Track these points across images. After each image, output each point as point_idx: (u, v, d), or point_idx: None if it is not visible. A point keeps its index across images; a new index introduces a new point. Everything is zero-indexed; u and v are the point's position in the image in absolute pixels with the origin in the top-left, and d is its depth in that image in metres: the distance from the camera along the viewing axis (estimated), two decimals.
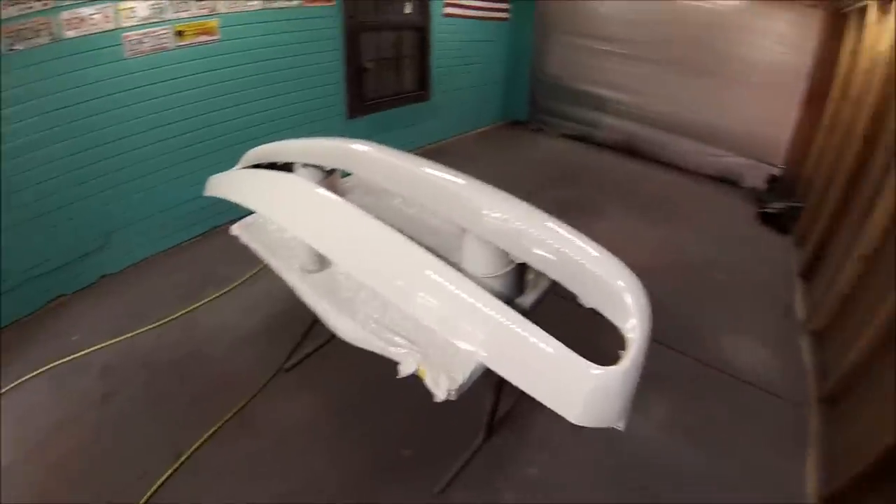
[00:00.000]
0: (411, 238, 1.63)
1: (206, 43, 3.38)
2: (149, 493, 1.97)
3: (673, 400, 2.61)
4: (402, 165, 1.92)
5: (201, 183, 2.52)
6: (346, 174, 2.49)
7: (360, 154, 2.04)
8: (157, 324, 2.88)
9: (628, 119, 6.27)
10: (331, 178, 2.29)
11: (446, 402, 2.20)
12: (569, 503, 2.08)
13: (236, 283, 3.26)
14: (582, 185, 5.37)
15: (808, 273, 3.75)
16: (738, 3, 5.16)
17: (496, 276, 1.63)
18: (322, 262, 2.01)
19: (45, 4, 2.60)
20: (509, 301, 1.65)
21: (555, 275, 1.53)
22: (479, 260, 1.65)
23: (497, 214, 1.58)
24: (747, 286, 3.72)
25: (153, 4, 3.06)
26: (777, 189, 5.13)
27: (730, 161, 5.63)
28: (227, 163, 2.59)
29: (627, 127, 6.30)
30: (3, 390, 2.39)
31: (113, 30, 2.92)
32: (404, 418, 2.36)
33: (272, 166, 2.40)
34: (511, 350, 1.37)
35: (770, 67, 5.07)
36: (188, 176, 3.44)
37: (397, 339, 1.60)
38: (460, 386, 1.42)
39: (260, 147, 2.45)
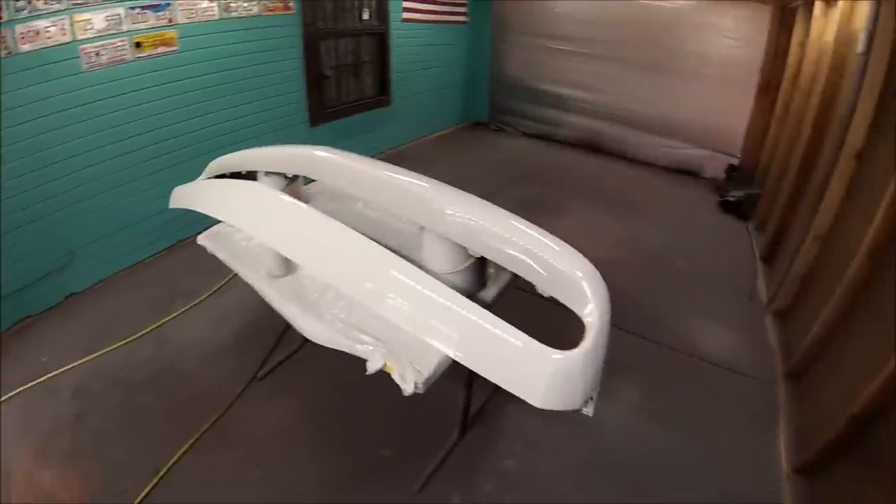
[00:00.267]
0: (374, 239, 1.67)
1: (165, 54, 3.35)
2: None
3: (642, 386, 2.68)
4: (361, 168, 1.98)
5: (165, 196, 2.50)
6: (308, 180, 2.52)
7: (321, 159, 2.10)
8: (127, 340, 2.84)
9: (589, 116, 6.42)
10: (293, 184, 2.32)
11: (421, 401, 2.23)
12: (547, 491, 2.13)
13: (204, 296, 3.23)
14: (543, 183, 5.46)
15: (770, 256, 3.90)
16: (691, 1, 5.35)
17: (456, 272, 1.68)
18: (288, 266, 2.03)
19: (1, 18, 2.55)
20: (471, 295, 1.70)
21: (511, 266, 1.59)
22: (439, 257, 1.72)
23: (453, 211, 1.64)
24: (711, 272, 3.85)
25: (110, 16, 3.02)
26: (736, 178, 5.33)
27: (689, 153, 5.82)
28: (192, 174, 2.58)
29: (588, 124, 6.45)
30: None
31: (69, 42, 2.87)
32: (380, 419, 2.38)
33: (236, 176, 2.40)
34: (473, 341, 1.42)
35: (724, 61, 5.27)
36: (152, 189, 3.40)
37: (363, 337, 1.63)
38: (426, 379, 1.46)
39: (223, 157, 2.46)
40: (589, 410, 1.57)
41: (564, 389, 1.33)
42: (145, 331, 2.92)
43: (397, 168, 1.93)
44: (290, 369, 2.68)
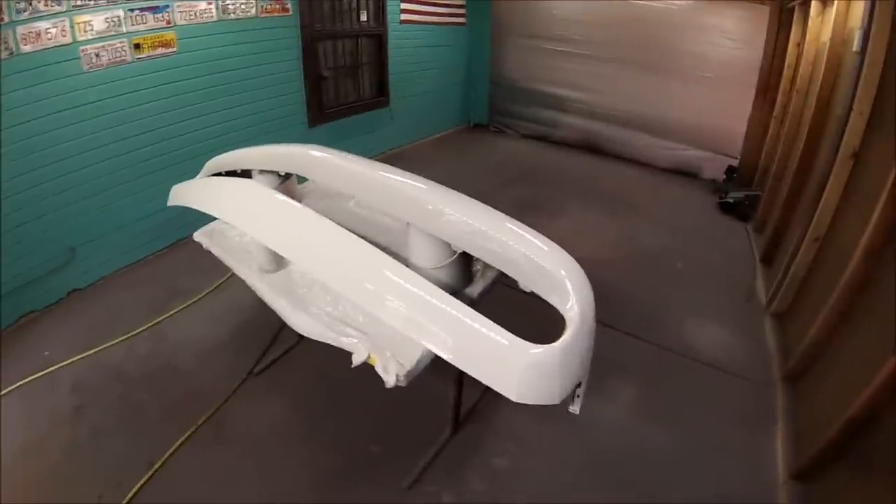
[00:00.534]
0: (363, 236, 1.72)
1: (164, 55, 3.41)
2: (126, 500, 1.99)
3: (639, 387, 2.68)
4: (349, 166, 2.03)
5: (165, 195, 2.55)
6: (303, 179, 2.55)
7: (311, 157, 2.16)
8: (127, 336, 2.89)
9: (587, 117, 6.44)
10: (287, 182, 2.36)
11: (413, 398, 2.25)
12: (539, 491, 2.13)
13: (203, 294, 3.28)
14: (541, 184, 5.47)
15: (768, 258, 3.89)
16: (689, 2, 5.36)
17: (440, 268, 1.72)
18: (279, 262, 2.07)
19: (2, 20, 2.60)
20: (457, 291, 1.74)
21: (492, 261, 1.62)
22: (423, 253, 1.76)
23: (433, 207, 1.68)
24: (709, 273, 3.83)
25: (110, 18, 3.07)
26: (735, 179, 5.33)
27: (688, 154, 5.82)
28: (190, 174, 2.62)
29: (586, 125, 6.47)
30: None
31: (70, 44, 2.93)
32: (373, 415, 2.41)
33: (233, 174, 2.44)
34: (450, 333, 1.45)
35: (723, 62, 5.28)
36: (151, 189, 3.44)
37: (349, 330, 1.67)
38: (408, 372, 1.49)
39: (220, 156, 2.51)
40: (575, 409, 1.59)
41: (540, 383, 1.35)
42: (144, 328, 2.97)
43: (385, 166, 1.97)
44: (285, 366, 2.72)
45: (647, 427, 2.43)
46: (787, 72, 4.47)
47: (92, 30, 3.00)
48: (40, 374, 2.60)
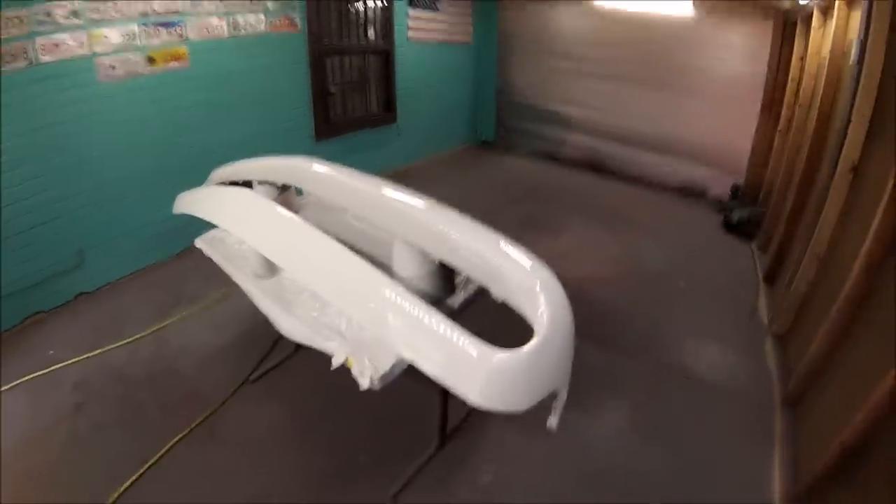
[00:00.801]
0: (355, 247, 1.79)
1: (176, 69, 3.54)
2: (115, 495, 2.04)
3: (633, 406, 2.64)
4: (338, 177, 2.14)
5: (172, 204, 2.64)
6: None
7: (304, 169, 2.26)
8: (130, 339, 2.97)
9: (592, 135, 6.47)
10: (286, 194, 2.44)
11: (406, 410, 2.36)
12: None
13: (207, 301, 3.35)
14: (545, 201, 5.49)
15: (772, 277, 3.81)
16: (693, 18, 5.40)
17: (420, 277, 1.78)
18: (271, 269, 2.15)
19: (22, 30, 2.74)
20: (438, 300, 1.78)
21: (466, 271, 1.68)
22: (405, 263, 1.82)
23: (413, 217, 1.75)
24: (712, 292, 3.79)
25: (126, 32, 3.21)
26: (741, 197, 5.30)
27: (693, 172, 5.81)
28: (198, 184, 2.72)
29: (592, 143, 6.50)
30: None
31: (87, 55, 3.06)
32: (365, 425, 2.45)
33: (236, 185, 2.53)
34: (419, 337, 1.49)
35: (728, 79, 5.29)
36: (160, 197, 3.48)
37: (331, 334, 1.73)
38: (382, 375, 1.53)
39: (224, 166, 2.61)
40: (552, 422, 1.61)
41: (504, 389, 1.37)
42: (148, 332, 3.05)
43: (373, 178, 2.06)
44: (282, 374, 2.77)
45: (640, 447, 2.39)
46: (790, 86, 4.45)
47: (108, 43, 3.14)
48: (44, 371, 2.68)
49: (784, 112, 4.56)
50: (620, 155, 6.29)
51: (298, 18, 4.35)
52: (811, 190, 3.36)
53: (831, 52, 3.27)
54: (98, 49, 3.11)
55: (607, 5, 5.90)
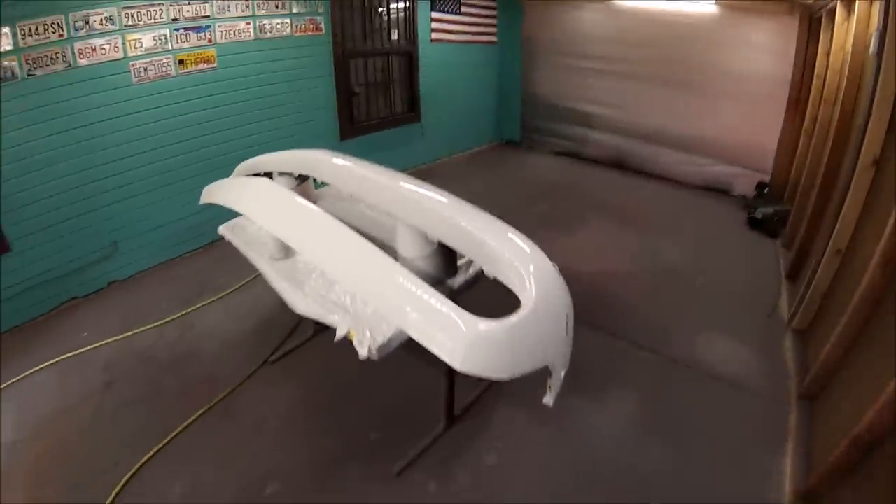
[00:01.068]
0: (366, 233, 1.91)
1: (205, 71, 3.72)
2: (137, 466, 2.17)
3: (642, 399, 2.63)
4: (346, 165, 2.26)
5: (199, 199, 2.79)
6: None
7: (316, 159, 2.40)
8: (158, 324, 3.14)
9: (617, 134, 6.44)
10: (304, 185, 2.56)
11: (416, 394, 2.48)
12: (522, 491, 2.14)
13: (230, 290, 3.51)
14: (567, 199, 5.48)
15: (794, 274, 3.74)
16: (717, 16, 5.34)
17: (422, 258, 1.87)
18: (286, 252, 2.27)
19: (61, 36, 2.95)
20: (440, 280, 1.86)
21: (461, 249, 1.76)
22: (407, 244, 1.91)
23: (412, 199, 1.84)
24: (732, 289, 3.73)
25: (157, 36, 3.40)
26: (766, 195, 5.19)
27: (718, 170, 5.72)
28: None
29: (616, 142, 6.47)
30: (15, 379, 2.65)
31: (121, 59, 3.26)
32: (376, 407, 2.53)
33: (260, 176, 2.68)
34: (413, 308, 1.58)
35: (753, 76, 5.20)
36: (189, 193, 3.70)
37: (336, 308, 1.84)
38: (380, 346, 1.63)
39: (248, 160, 2.77)
40: (549, 400, 1.66)
41: (485, 356, 1.43)
42: (174, 317, 3.21)
43: (376, 166, 2.18)
44: (300, 357, 2.89)
45: (647, 438, 2.37)
46: (816, 82, 4.36)
47: (141, 46, 3.34)
48: (76, 352, 2.87)
49: (809, 110, 4.46)
50: (644, 153, 6.24)
51: (323, 22, 4.50)
52: (835, 186, 3.29)
53: (853, 45, 3.20)
54: (132, 53, 3.30)
55: (630, 5, 5.89)
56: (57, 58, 2.96)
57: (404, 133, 5.83)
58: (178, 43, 3.52)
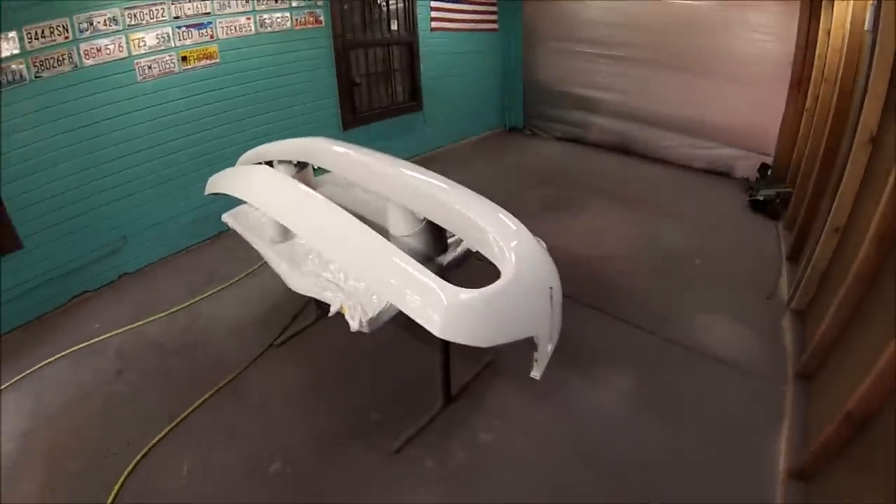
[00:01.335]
0: (360, 215, 1.98)
1: (208, 66, 3.80)
2: (148, 447, 2.28)
3: (639, 378, 2.66)
4: (337, 149, 2.35)
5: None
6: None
7: (310, 145, 2.49)
8: (167, 313, 3.25)
9: (619, 118, 6.42)
10: (303, 172, 2.64)
11: (418, 377, 2.56)
12: (518, 467, 2.19)
13: (237, 279, 3.62)
14: (569, 184, 5.50)
15: (795, 255, 3.73)
16: None
17: (411, 235, 1.95)
18: (285, 235, 2.36)
19: (67, 37, 3.04)
20: (429, 257, 1.93)
21: (444, 224, 1.84)
22: (397, 222, 1.99)
23: (397, 176, 1.94)
24: (731, 271, 3.73)
25: (160, 34, 3.49)
26: (768, 176, 5.16)
27: (720, 153, 5.69)
28: None
29: (618, 126, 6.45)
30: (32, 370, 2.78)
31: (126, 57, 3.35)
32: (378, 389, 2.61)
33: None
34: (401, 282, 1.65)
35: (755, 58, 5.15)
36: (194, 185, 3.80)
37: (330, 285, 1.94)
38: (371, 319, 1.71)
39: (251, 150, 2.88)
40: (536, 374, 1.73)
41: (463, 323, 1.50)
42: (183, 306, 3.32)
43: (372, 152, 2.27)
44: (304, 339, 2.98)
45: (643, 417, 2.41)
46: (817, 62, 4.31)
47: (145, 45, 3.43)
48: (89, 342, 2.98)
49: (811, 89, 4.42)
50: (647, 137, 6.22)
51: (322, 14, 4.56)
52: (834, 165, 3.29)
53: (852, 23, 3.18)
54: (136, 51, 3.39)
55: None
56: (63, 59, 3.05)
57: (406, 122, 5.87)
58: (180, 40, 3.60)
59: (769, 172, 5.22)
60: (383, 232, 1.91)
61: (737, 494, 2.03)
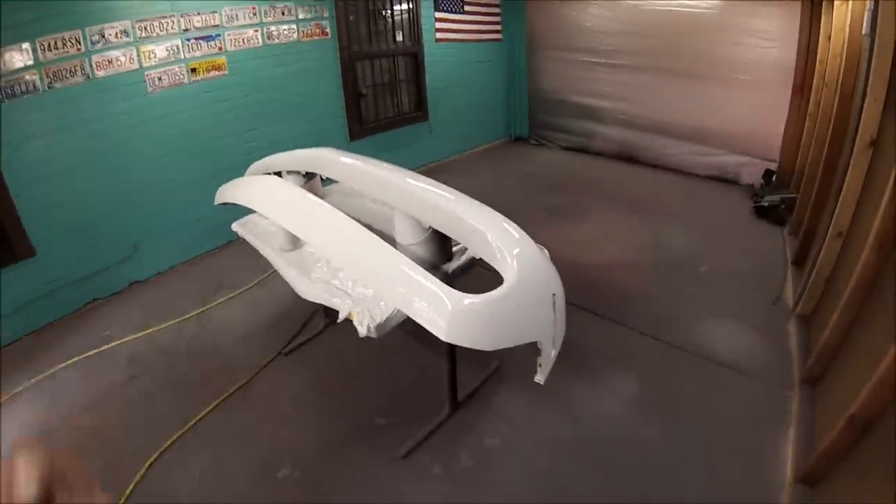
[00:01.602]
0: (368, 224, 2.04)
1: (216, 77, 3.88)
2: (159, 451, 2.32)
3: (644, 383, 2.67)
4: (343, 160, 2.39)
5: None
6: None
7: (317, 156, 2.53)
8: (177, 320, 3.30)
9: (624, 127, 6.44)
10: (311, 182, 2.69)
11: (425, 383, 2.58)
12: (525, 472, 2.20)
13: (246, 287, 3.66)
14: (574, 192, 5.52)
15: (800, 260, 3.73)
16: (721, 4, 5.31)
17: (417, 244, 1.99)
18: (294, 243, 2.41)
19: (79, 49, 3.12)
20: (435, 265, 1.99)
21: (449, 232, 1.88)
22: (404, 231, 2.04)
23: (404, 187, 1.98)
24: (738, 277, 3.74)
25: (170, 46, 3.56)
26: (773, 182, 5.17)
27: (725, 160, 5.70)
28: None
29: (623, 134, 6.47)
30: (42, 376, 2.82)
31: (136, 69, 3.43)
32: (385, 395, 2.64)
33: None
34: (408, 289, 1.68)
35: (757, 64, 5.17)
36: (205, 195, 3.82)
37: (339, 292, 1.98)
38: (378, 325, 1.75)
39: (259, 161, 2.93)
40: (539, 378, 1.76)
41: (468, 328, 1.53)
42: (192, 313, 3.37)
43: (378, 162, 2.30)
44: (312, 349, 3.01)
45: (649, 422, 2.41)
46: (818, 67, 4.33)
47: (155, 57, 3.50)
48: (101, 349, 3.03)
49: (813, 95, 4.44)
50: (651, 145, 6.24)
51: (329, 26, 4.63)
52: (837, 170, 3.30)
53: (850, 27, 3.21)
54: (146, 63, 3.47)
55: None
56: (76, 70, 3.13)
57: (412, 132, 5.92)
58: (189, 52, 3.67)
59: (774, 178, 5.23)
60: (390, 241, 1.95)
61: (743, 499, 2.04)
